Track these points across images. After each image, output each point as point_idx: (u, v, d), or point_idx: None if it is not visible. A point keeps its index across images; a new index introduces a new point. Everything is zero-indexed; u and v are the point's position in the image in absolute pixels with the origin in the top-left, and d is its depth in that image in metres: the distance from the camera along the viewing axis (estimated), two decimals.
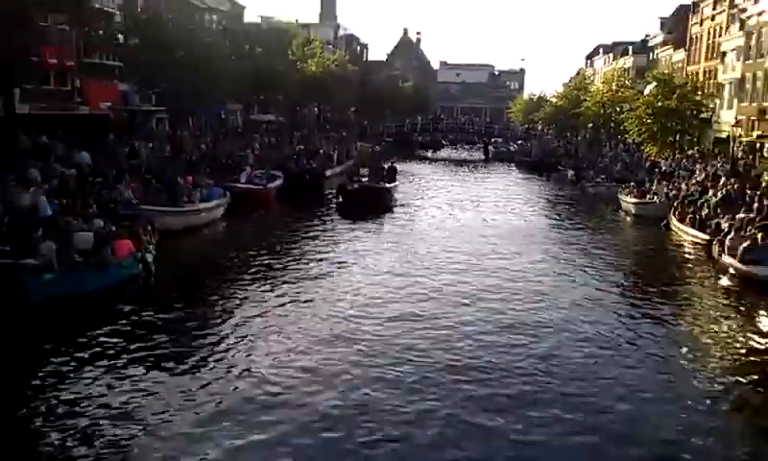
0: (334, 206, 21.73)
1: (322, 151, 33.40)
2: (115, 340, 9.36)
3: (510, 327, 10.34)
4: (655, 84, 32.37)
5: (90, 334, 9.43)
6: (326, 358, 8.80)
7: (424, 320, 10.60)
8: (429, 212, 22.52)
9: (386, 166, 25.85)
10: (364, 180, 23.59)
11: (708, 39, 37.96)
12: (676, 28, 44.80)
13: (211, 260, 14.84)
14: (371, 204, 21.02)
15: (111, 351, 8.96)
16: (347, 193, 22.01)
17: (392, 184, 23.69)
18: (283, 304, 11.13)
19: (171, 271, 13.36)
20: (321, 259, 14.57)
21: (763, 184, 20.71)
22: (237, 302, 11.24)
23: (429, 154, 54.44)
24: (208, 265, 14.33)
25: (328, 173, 29.34)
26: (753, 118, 30.14)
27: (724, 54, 34.97)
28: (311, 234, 17.54)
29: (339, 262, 14.31)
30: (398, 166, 28.15)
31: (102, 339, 9.33)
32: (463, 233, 18.27)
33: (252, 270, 13.33)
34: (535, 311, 11.26)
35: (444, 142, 62.54)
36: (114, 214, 14.10)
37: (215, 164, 23.71)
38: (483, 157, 53.25)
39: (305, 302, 11.30)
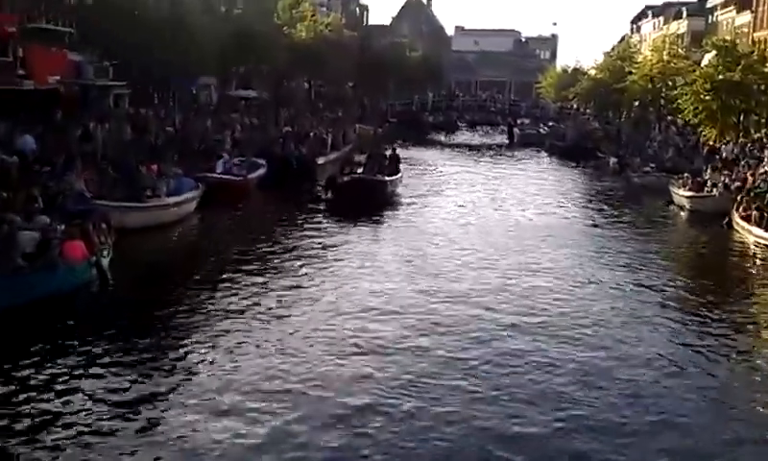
0: (323, 202, 21.57)
1: (313, 134, 33.50)
2: (61, 362, 9.30)
3: (548, 346, 10.30)
4: (714, 53, 32.25)
5: (32, 352, 9.38)
6: (311, 392, 8.65)
7: (437, 338, 10.53)
8: (440, 210, 22.41)
9: (387, 153, 25.71)
10: (359, 170, 23.06)
11: None
12: None
13: (179, 266, 14.87)
14: (366, 200, 20.47)
15: (56, 375, 8.90)
16: (337, 187, 21.46)
17: (393, 176, 23.20)
18: (262, 321, 11.10)
19: (131, 278, 13.36)
20: (307, 264, 14.59)
21: None
22: (207, 317, 11.23)
23: (442, 137, 54.50)
24: (175, 271, 14.35)
25: (321, 160, 29.44)
26: None
27: None
28: (298, 234, 17.63)
29: (326, 269, 14.32)
30: (405, 153, 28.27)
31: (44, 361, 9.26)
32: (482, 237, 18.05)
33: (228, 278, 13.36)
34: (576, 328, 11.16)
35: (459, 124, 62.72)
36: (63, 210, 14.14)
37: (185, 150, 23.84)
38: (507, 141, 53.28)
39: (286, 317, 11.28)
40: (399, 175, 24.16)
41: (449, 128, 58.73)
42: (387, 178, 22.53)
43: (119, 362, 9.34)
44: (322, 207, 21.10)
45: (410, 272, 14.32)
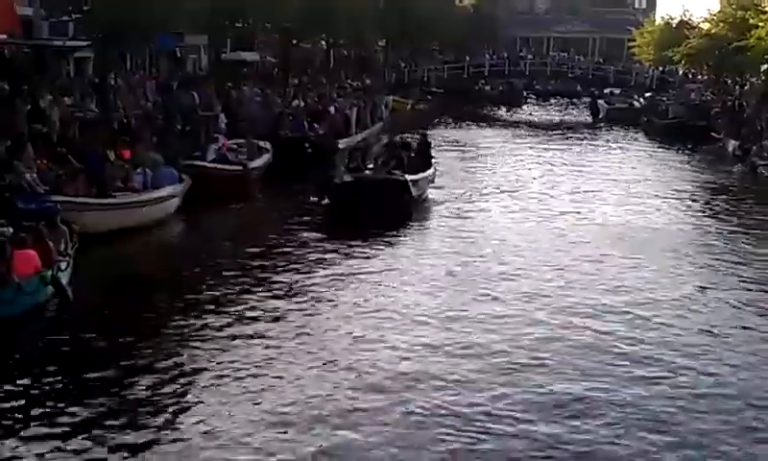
0: (315, 212, 20.19)
1: (333, 109, 33.76)
2: (8, 406, 9.47)
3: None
4: None
5: None
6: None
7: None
8: (492, 222, 20.75)
9: (411, 140, 25.18)
10: (369, 165, 21.86)
11: None
12: None
13: (158, 282, 14.99)
14: (378, 209, 18.86)
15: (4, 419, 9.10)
16: (334, 190, 19.86)
17: (420, 174, 21.59)
18: (253, 357, 11.20)
19: (96, 297, 13.53)
20: (314, 289, 14.39)
21: None
22: (193, 351, 11.34)
23: (503, 113, 54.43)
24: (154, 289, 14.48)
25: (343, 143, 29.54)
26: None
27: None
28: (310, 246, 17.52)
29: (336, 298, 14.09)
30: (450, 135, 27.88)
31: None
32: (555, 257, 17.25)
33: (218, 299, 13.49)
34: (691, 374, 11.14)
35: (526, 94, 62.48)
36: (11, 209, 14.38)
37: (166, 131, 24.07)
38: (589, 117, 52.96)
39: (283, 356, 11.33)
40: (431, 171, 22.74)
41: (512, 100, 58.55)
42: (410, 176, 20.79)
43: (83, 409, 9.47)
44: (311, 220, 19.69)
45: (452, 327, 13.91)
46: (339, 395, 10.04)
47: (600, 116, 52.14)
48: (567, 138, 42.43)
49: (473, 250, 17.74)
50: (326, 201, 20.14)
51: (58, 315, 12.57)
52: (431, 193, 23.09)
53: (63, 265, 13.23)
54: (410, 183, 20.57)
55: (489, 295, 14.38)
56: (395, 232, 19.06)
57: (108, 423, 9.11)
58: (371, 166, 21.99)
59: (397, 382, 10.47)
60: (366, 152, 23.33)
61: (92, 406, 9.53)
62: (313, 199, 20.41)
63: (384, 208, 19.30)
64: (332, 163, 25.09)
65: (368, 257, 16.69)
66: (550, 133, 44.93)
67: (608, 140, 41.61)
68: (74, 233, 14.35)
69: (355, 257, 16.58)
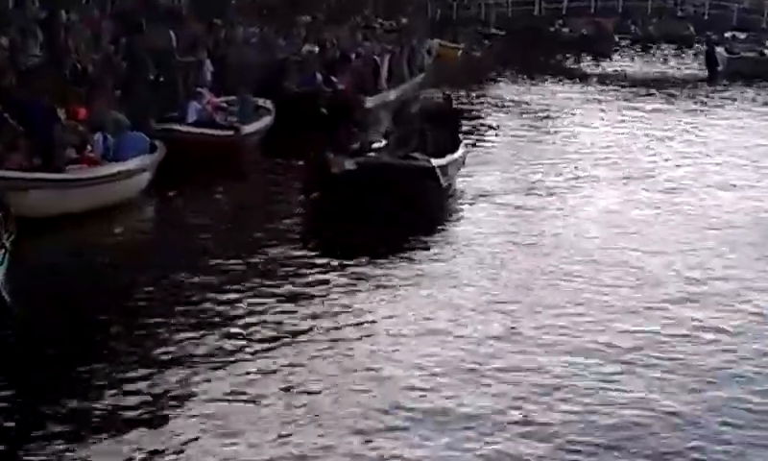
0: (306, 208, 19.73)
1: (355, 56, 33.92)
2: None
3: None
4: None
5: None
6: None
7: None
8: (573, 226, 19.73)
9: (431, 106, 25.16)
10: (374, 145, 20.87)
11: None
12: None
13: (121, 284, 14.98)
14: (390, 206, 18.31)
15: None
16: (329, 178, 19.06)
17: (447, 157, 20.77)
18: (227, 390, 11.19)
19: (43, 301, 13.57)
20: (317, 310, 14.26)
21: None
22: (156, 372, 11.43)
23: (586, 64, 54.12)
24: (115, 291, 14.53)
25: (370, 102, 29.75)
26: None
27: None
28: (317, 246, 17.53)
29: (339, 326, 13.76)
30: (517, 93, 27.23)
31: None
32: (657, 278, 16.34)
33: (193, 305, 13.68)
34: None
35: (618, 39, 62.10)
36: None
37: (134, 83, 24.12)
38: (705, 71, 52.53)
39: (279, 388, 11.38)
40: (461, 151, 21.81)
41: (599, 47, 58.31)
42: (437, 160, 19.96)
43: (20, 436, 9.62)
44: (300, 221, 19.46)
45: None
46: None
47: (719, 69, 51.87)
48: (674, 101, 42.14)
49: (545, 277, 16.19)
50: (317, 194, 19.26)
51: None
52: (481, 182, 22.61)
53: None
54: (438, 170, 19.72)
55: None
56: (410, 244, 17.79)
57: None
58: (375, 147, 20.87)
59: None
60: (404, 118, 22.62)
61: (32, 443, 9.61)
62: (301, 192, 19.77)
63: (400, 207, 18.45)
64: (354, 127, 24.40)
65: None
66: (650, 93, 44.62)
67: (729, 102, 41.39)
68: (10, 219, 14.20)
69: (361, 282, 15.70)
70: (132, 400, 10.72)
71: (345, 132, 21.05)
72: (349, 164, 18.87)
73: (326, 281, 15.49)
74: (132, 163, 18.81)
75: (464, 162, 21.97)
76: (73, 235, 16.53)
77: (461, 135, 22.83)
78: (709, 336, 13.23)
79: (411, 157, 19.58)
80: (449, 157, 20.51)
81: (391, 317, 13.85)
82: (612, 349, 12.63)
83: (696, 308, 14.44)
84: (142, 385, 11.10)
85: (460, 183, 21.88)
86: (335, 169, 18.73)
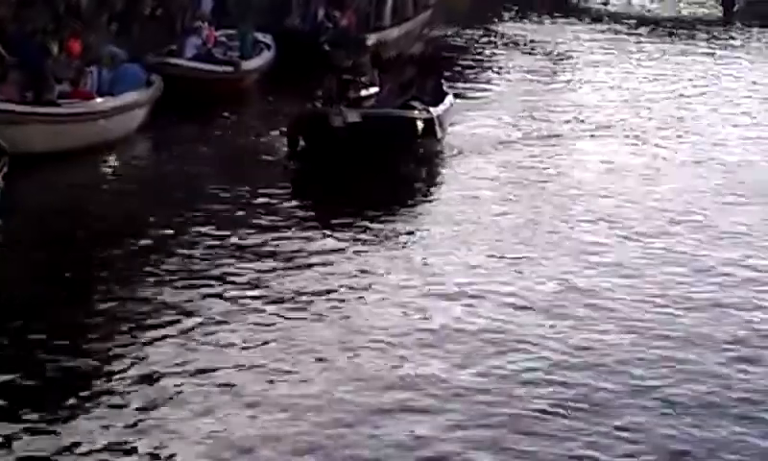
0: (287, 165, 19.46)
1: None
2: None
3: None
4: None
5: None
6: None
7: None
8: (585, 184, 19.08)
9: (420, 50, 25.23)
10: (364, 93, 19.83)
11: None
12: None
13: (115, 227, 14.91)
14: (384, 160, 18.33)
15: None
16: (320, 131, 18.60)
17: (439, 107, 20.27)
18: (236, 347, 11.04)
19: (30, 244, 13.61)
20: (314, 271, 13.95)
21: None
22: (148, 328, 11.29)
23: (598, 3, 53.83)
24: (107, 237, 14.41)
25: (372, 38, 29.34)
26: None
27: None
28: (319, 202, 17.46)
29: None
30: (524, 32, 26.55)
31: None
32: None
33: (192, 257, 13.60)
34: None
35: None
36: None
37: (130, 14, 23.80)
38: (720, 12, 52.20)
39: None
40: (449, 100, 21.26)
41: None
42: (432, 110, 19.60)
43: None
44: (282, 177, 19.03)
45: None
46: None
47: (735, 9, 51.53)
48: (687, 42, 41.66)
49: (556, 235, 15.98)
50: (304, 145, 18.92)
51: None
52: (480, 131, 22.23)
53: None
54: (436, 121, 19.43)
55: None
56: (403, 204, 17.71)
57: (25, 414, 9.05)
58: (370, 95, 20.00)
59: None
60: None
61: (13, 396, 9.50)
62: (283, 146, 19.36)
63: (394, 160, 18.61)
64: (357, 65, 23.97)
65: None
66: (661, 33, 44.08)
67: (748, 49, 40.85)
68: (5, 153, 14.33)
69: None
70: (116, 352, 10.59)
71: (338, 80, 20.22)
72: (353, 116, 18.24)
73: (338, 239, 15.19)
74: (127, 98, 18.81)
75: (451, 112, 21.42)
76: (64, 173, 16.57)
77: (445, 85, 22.30)
78: None
79: (409, 107, 19.27)
80: (443, 106, 20.26)
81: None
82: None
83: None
84: (136, 329, 11.06)
85: (460, 132, 21.63)
86: (337, 122, 18.17)
